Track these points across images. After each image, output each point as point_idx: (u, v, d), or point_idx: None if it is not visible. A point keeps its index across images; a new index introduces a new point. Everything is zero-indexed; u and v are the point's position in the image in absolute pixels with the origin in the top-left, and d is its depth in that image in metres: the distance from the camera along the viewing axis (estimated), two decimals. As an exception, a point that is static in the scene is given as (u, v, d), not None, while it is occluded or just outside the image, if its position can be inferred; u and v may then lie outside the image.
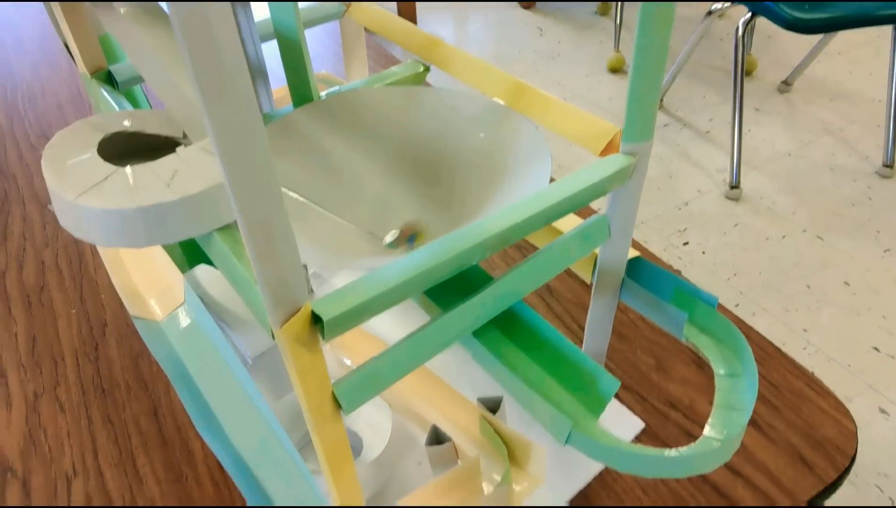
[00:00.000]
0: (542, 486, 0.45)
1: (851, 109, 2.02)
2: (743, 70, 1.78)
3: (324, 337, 0.27)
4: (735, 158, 1.71)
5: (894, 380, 1.26)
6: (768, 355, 0.52)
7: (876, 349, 1.32)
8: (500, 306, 0.34)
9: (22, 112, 0.90)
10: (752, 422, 0.48)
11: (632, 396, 0.50)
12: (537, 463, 0.38)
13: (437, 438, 0.40)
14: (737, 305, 1.41)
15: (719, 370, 0.37)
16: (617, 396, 0.50)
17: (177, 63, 0.33)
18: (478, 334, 0.35)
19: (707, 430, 0.33)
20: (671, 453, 0.31)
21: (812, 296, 1.44)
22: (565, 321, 0.56)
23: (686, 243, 1.57)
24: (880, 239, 1.56)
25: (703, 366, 0.52)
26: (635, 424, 0.48)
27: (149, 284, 0.44)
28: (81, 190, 0.28)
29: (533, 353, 0.34)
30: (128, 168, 0.29)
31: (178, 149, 0.30)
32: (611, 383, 0.32)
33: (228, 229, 0.32)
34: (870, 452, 1.15)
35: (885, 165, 1.75)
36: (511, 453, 0.39)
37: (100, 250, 0.47)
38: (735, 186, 1.70)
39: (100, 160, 0.30)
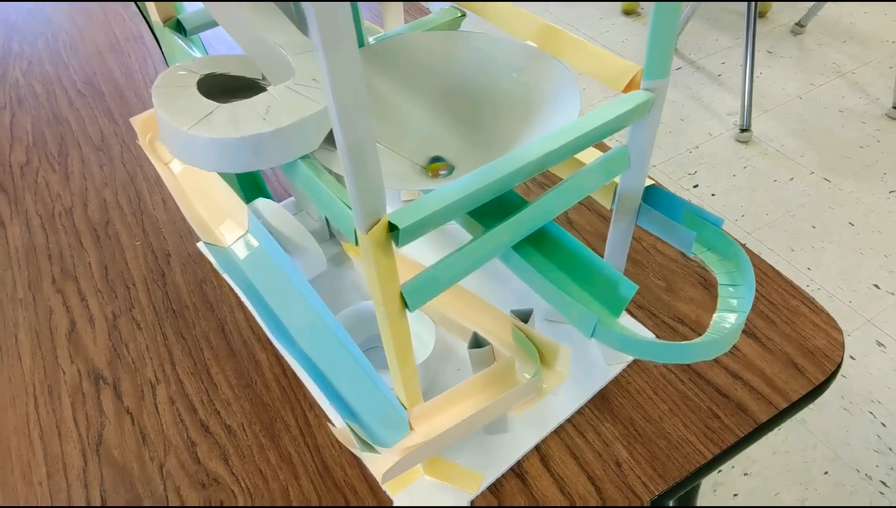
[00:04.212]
0: (567, 382, 0.51)
1: (864, 52, 2.03)
2: (756, 12, 1.79)
3: (398, 243, 0.33)
4: (746, 102, 1.74)
5: (892, 315, 1.32)
6: (768, 277, 0.58)
7: (876, 286, 1.38)
8: (535, 224, 0.40)
9: (66, 60, 0.94)
10: (751, 334, 0.54)
11: (644, 313, 0.56)
12: (564, 362, 0.45)
13: (477, 342, 0.46)
14: (744, 244, 1.47)
15: (722, 280, 0.43)
16: (631, 313, 0.56)
17: (257, 14, 0.37)
18: (516, 248, 0.41)
19: (711, 327, 0.39)
20: (680, 343, 0.37)
21: (817, 236, 1.49)
22: (585, 249, 0.62)
23: (696, 186, 1.61)
24: (887, 180, 1.60)
25: (708, 287, 0.58)
26: (647, 336, 0.54)
27: (215, 215, 0.50)
28: (192, 123, 0.33)
29: (562, 263, 0.40)
30: (230, 104, 0.34)
31: (270, 88, 0.35)
32: (629, 287, 0.38)
33: (309, 158, 0.37)
34: (865, 382, 1.22)
35: (895, 108, 1.77)
36: (541, 355, 0.46)
37: (168, 185, 0.53)
38: (745, 129, 1.73)
39: (202, 98, 0.35)
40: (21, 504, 0.47)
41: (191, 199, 0.52)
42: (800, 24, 2.13)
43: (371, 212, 0.31)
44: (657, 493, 0.45)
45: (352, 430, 0.42)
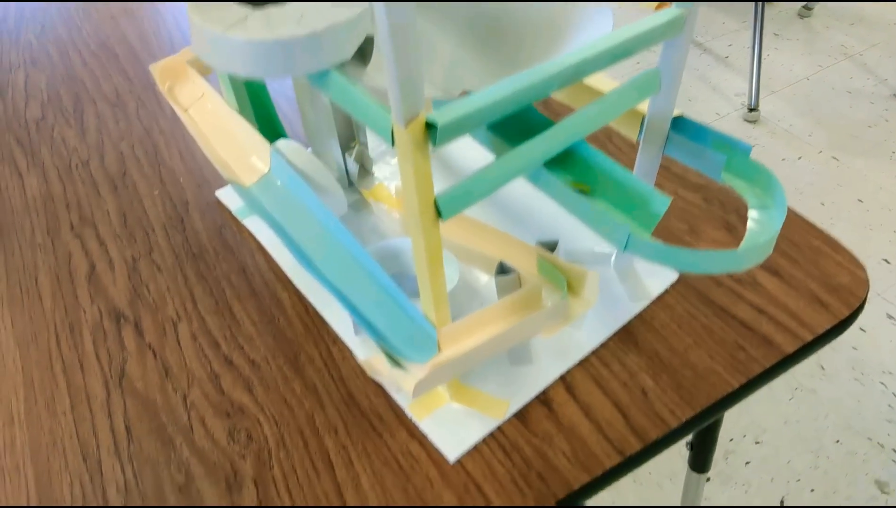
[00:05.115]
0: (591, 317, 0.51)
1: (871, 34, 2.03)
2: (764, -7, 1.79)
3: (435, 142, 0.32)
4: (754, 82, 1.74)
5: (902, 290, 1.32)
6: (788, 218, 0.58)
7: (886, 260, 1.38)
8: (566, 141, 0.39)
9: (78, 24, 0.94)
10: (774, 272, 0.54)
11: (667, 253, 0.56)
12: (591, 288, 0.45)
13: (503, 269, 0.46)
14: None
15: (752, 203, 0.43)
16: (654, 253, 0.56)
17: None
18: (546, 166, 0.41)
19: (742, 244, 0.39)
20: (715, 251, 0.37)
21: (826, 212, 1.49)
22: (605, 195, 0.61)
23: (704, 165, 1.62)
24: (895, 159, 1.60)
25: (731, 230, 0.58)
26: (669, 275, 0.54)
27: (238, 154, 0.50)
28: (228, 26, 0.33)
29: (593, 180, 0.40)
30: (264, 9, 0.34)
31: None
32: (662, 201, 0.38)
33: (340, 69, 0.37)
34: (876, 354, 1.22)
35: (903, 89, 1.77)
36: (568, 283, 0.46)
37: (190, 129, 0.53)
38: (753, 108, 1.73)
39: (236, 5, 0.35)
40: (46, 437, 0.47)
41: (212, 141, 0.52)
42: (807, 7, 2.13)
43: (411, 105, 0.31)
44: (685, 419, 0.45)
45: (381, 348, 0.42)
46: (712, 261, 0.37)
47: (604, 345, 0.50)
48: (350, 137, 0.61)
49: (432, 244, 0.37)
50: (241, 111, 0.58)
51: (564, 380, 0.48)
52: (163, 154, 0.71)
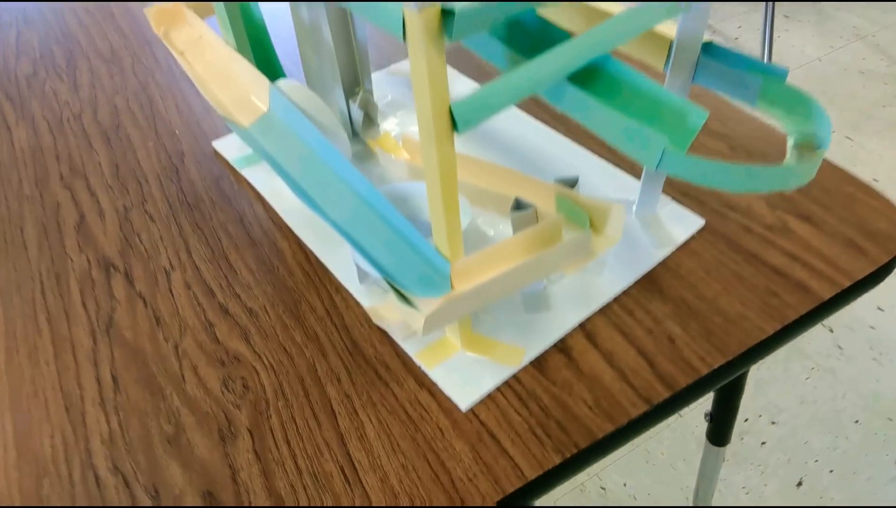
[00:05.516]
0: (611, 264, 0.48)
1: (884, 15, 1.99)
2: (776, -28, 1.75)
3: (451, 35, 0.29)
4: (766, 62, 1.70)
5: (920, 270, 1.29)
6: (820, 168, 0.54)
7: (903, 241, 1.34)
8: (590, 53, 0.36)
9: (73, -16, 0.91)
10: (806, 218, 0.50)
11: (691, 200, 0.52)
12: (615, 223, 0.41)
13: (519, 205, 0.43)
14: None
15: (791, 129, 0.39)
16: (676, 200, 0.52)
17: None
18: (571, 83, 0.38)
19: (786, 161, 0.36)
20: (761, 166, 0.33)
21: (840, 193, 1.45)
22: (623, 144, 0.58)
23: (714, 146, 1.58)
24: (910, 140, 1.57)
25: (758, 178, 0.54)
26: (695, 221, 0.51)
27: (236, 94, 0.47)
28: None
29: (621, 96, 0.37)
30: None
31: None
32: (699, 114, 0.35)
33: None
34: (894, 333, 1.18)
35: (918, 70, 1.73)
36: (591, 220, 0.42)
37: (188, 72, 0.50)
38: (765, 89, 1.69)
39: None
40: (27, 387, 0.44)
41: (210, 82, 0.48)
42: (818, -11, 2.09)
43: (423, -15, 0.27)
44: (715, 366, 0.41)
45: (390, 285, 0.39)
46: (760, 177, 0.33)
47: (626, 292, 0.46)
48: (354, 82, 0.58)
49: (446, 161, 0.33)
50: (240, 52, 0.55)
51: (584, 328, 0.44)
52: (158, 107, 0.67)
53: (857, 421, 1.05)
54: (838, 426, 1.05)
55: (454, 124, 0.32)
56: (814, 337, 1.17)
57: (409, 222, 0.49)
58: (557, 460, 0.38)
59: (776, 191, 0.38)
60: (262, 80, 0.45)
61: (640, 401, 0.40)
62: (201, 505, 0.37)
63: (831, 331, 1.18)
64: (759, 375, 1.12)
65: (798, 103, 0.40)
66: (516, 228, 0.43)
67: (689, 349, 0.42)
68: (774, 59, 1.84)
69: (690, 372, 0.41)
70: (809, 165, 0.34)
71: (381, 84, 0.68)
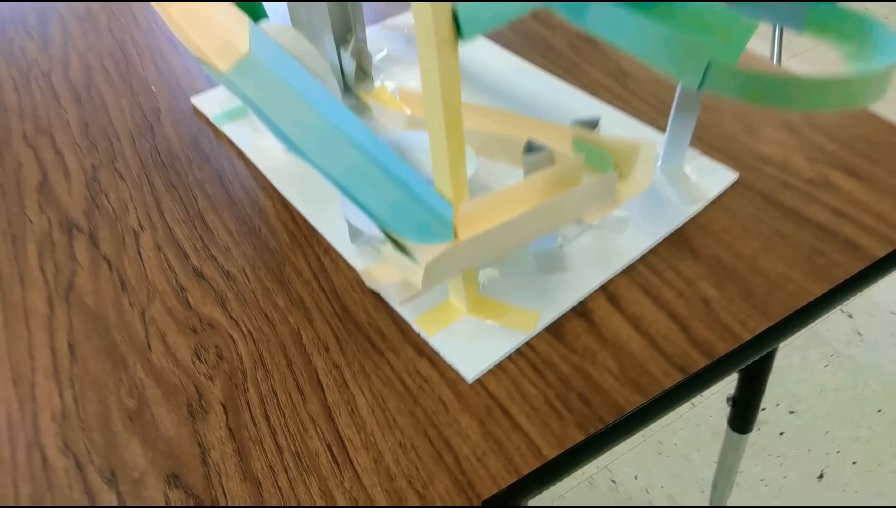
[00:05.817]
0: (634, 222, 0.42)
1: (896, -1, 1.94)
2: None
3: None
4: (775, 45, 1.65)
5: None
6: (864, 118, 0.49)
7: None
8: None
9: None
10: (851, 172, 0.45)
11: (722, 155, 0.47)
12: (645, 165, 0.36)
13: (532, 148, 0.38)
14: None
15: (849, 51, 0.34)
16: (706, 154, 0.47)
17: None
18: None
19: (846, 68, 0.30)
20: (824, 78, 0.28)
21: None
22: (644, 98, 0.53)
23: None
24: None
25: (795, 131, 0.49)
26: (727, 175, 0.45)
27: (215, 38, 0.41)
28: None
29: (656, 7, 0.31)
30: None
31: None
32: (747, 25, 0.29)
33: None
34: (915, 320, 1.13)
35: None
36: (616, 162, 0.37)
37: (167, 20, 0.44)
38: (775, 72, 1.63)
39: None
40: (-26, 359, 0.38)
41: (185, 26, 0.43)
42: (828, -29, 2.04)
43: None
44: (759, 331, 0.36)
45: (386, 234, 0.34)
46: (826, 90, 0.28)
47: (653, 251, 0.41)
48: (346, 28, 0.53)
49: (449, 76, 0.28)
50: (218, -7, 0.50)
51: (606, 290, 0.39)
52: (135, 64, 0.62)
53: (879, 410, 1.00)
54: (860, 415, 1.00)
55: (458, 30, 0.27)
56: (832, 323, 1.11)
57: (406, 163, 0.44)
58: (580, 436, 0.32)
59: (844, 108, 0.32)
60: (243, 18, 0.40)
61: (675, 370, 0.35)
62: (165, 489, 0.32)
63: (850, 317, 1.12)
64: (775, 362, 1.07)
65: (850, 26, 0.34)
66: (529, 173, 0.37)
67: (727, 313, 0.37)
68: (784, 41, 1.79)
69: (730, 338, 0.36)
70: (883, 76, 0.29)
71: (376, 38, 0.62)
